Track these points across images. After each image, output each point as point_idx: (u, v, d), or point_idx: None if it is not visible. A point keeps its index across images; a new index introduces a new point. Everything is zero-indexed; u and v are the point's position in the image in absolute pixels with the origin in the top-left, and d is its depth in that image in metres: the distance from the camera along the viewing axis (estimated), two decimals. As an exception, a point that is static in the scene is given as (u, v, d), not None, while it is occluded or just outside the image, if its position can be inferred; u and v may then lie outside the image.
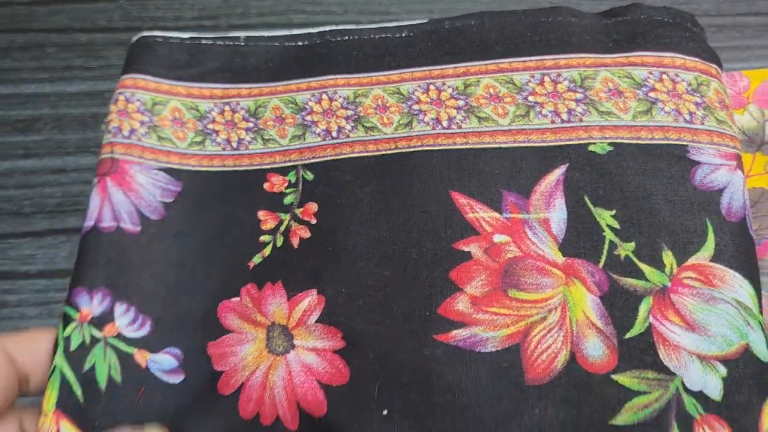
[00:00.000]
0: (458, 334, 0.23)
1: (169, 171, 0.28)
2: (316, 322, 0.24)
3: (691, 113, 0.26)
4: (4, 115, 0.36)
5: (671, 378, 0.22)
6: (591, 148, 0.26)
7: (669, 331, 0.22)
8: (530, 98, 0.27)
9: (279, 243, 0.26)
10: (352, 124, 0.28)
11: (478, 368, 0.22)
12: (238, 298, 0.26)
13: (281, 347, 0.24)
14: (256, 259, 0.26)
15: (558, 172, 0.25)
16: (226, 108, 0.29)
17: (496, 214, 0.25)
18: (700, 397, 0.22)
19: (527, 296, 0.23)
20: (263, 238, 0.27)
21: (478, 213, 0.25)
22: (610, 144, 0.26)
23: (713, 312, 0.23)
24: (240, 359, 0.25)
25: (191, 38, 0.30)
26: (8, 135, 0.35)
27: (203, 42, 0.30)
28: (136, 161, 0.28)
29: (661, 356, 0.22)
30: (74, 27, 0.39)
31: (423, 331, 0.23)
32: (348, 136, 0.28)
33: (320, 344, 0.24)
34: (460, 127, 0.27)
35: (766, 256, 0.25)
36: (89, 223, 0.26)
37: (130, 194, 0.27)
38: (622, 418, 0.21)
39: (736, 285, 0.23)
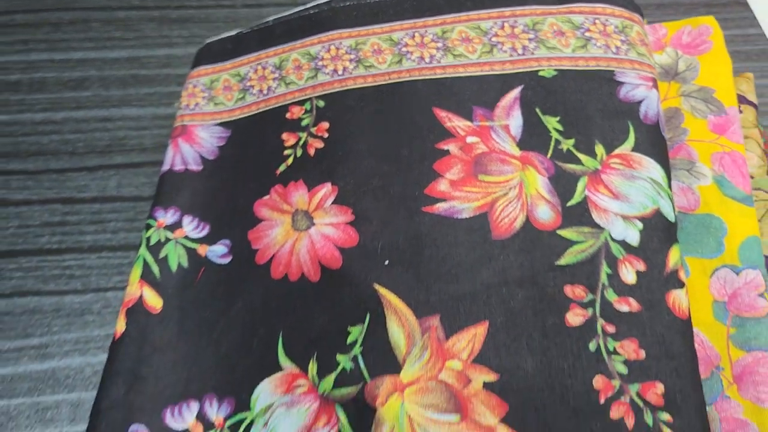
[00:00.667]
0: (440, 207, 0.30)
1: (221, 124, 0.36)
2: (331, 204, 0.31)
3: (617, 47, 0.33)
4: (58, 76, 0.43)
5: (601, 231, 0.29)
6: (541, 73, 0.33)
7: (599, 200, 0.29)
8: (493, 39, 0.35)
9: (299, 154, 0.33)
10: (354, 64, 0.35)
11: (456, 229, 0.29)
12: (268, 196, 0.33)
13: (304, 225, 0.31)
14: (281, 168, 0.33)
15: (515, 92, 0.33)
16: (258, 67, 0.37)
17: (469, 123, 0.32)
18: (623, 243, 0.29)
19: (493, 179, 0.30)
20: (286, 152, 0.34)
21: (455, 122, 0.32)
22: (555, 70, 0.33)
23: (633, 186, 0.30)
24: (272, 238, 0.31)
25: (236, 34, 0.39)
26: (62, 91, 0.42)
27: (242, 32, 0.39)
28: (199, 124, 0.36)
29: (594, 217, 0.29)
30: (112, 6, 0.46)
31: (414, 205, 0.30)
32: (351, 73, 0.35)
33: (335, 219, 0.31)
34: (439, 62, 0.34)
35: (676, 156, 0.33)
36: (165, 167, 0.35)
37: (194, 145, 0.35)
38: (565, 260, 0.28)
39: (650, 167, 0.30)
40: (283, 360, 0.28)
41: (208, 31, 0.44)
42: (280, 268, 0.30)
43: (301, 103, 0.35)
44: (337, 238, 0.30)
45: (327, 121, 0.34)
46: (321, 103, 0.35)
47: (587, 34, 0.34)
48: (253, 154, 0.35)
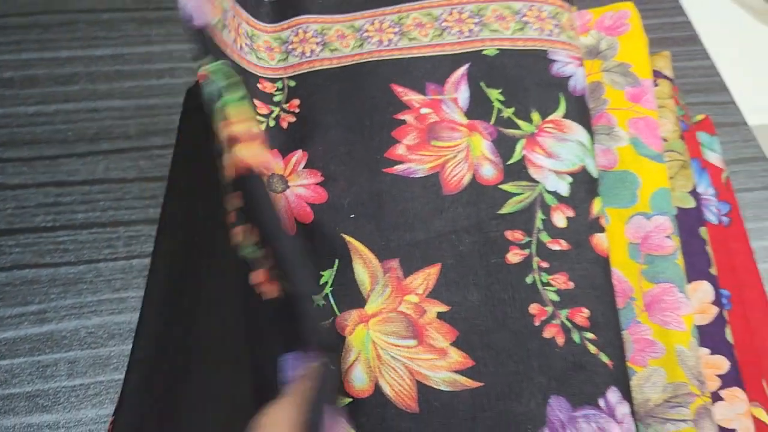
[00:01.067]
0: (398, 168, 0.34)
1: None
2: (302, 168, 0.35)
3: (550, 31, 0.38)
4: (49, 72, 0.47)
5: (537, 184, 0.33)
6: (484, 52, 0.38)
7: (535, 158, 0.34)
8: (443, 24, 0.39)
9: (272, 125, 0.36)
10: (321, 47, 0.39)
11: (412, 186, 0.33)
12: None
13: (280, 188, 0.34)
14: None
15: (463, 68, 0.37)
16: (234, 47, 0.40)
17: (422, 96, 0.36)
18: (555, 194, 0.33)
19: (443, 144, 0.34)
20: (259, 118, 0.36)
21: (410, 96, 0.36)
22: (497, 50, 0.38)
23: (563, 147, 0.34)
24: None
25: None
26: (53, 86, 0.46)
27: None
28: None
29: (530, 173, 0.33)
30: (98, 8, 0.50)
31: (375, 167, 0.34)
32: (318, 56, 0.39)
33: (306, 181, 0.34)
34: (396, 45, 0.39)
35: (598, 122, 0.37)
36: None
37: None
38: (506, 209, 0.32)
39: (578, 132, 0.35)
40: None
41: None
42: None
43: (272, 81, 0.38)
44: (308, 196, 0.34)
45: (298, 98, 0.37)
46: (292, 83, 0.38)
47: (524, 18, 0.38)
48: None
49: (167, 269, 0.36)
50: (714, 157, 0.43)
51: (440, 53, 0.38)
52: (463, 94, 0.36)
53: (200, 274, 0.35)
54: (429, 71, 0.37)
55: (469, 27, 0.39)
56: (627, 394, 0.29)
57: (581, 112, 0.36)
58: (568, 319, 0.30)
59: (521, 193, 0.33)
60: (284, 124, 0.37)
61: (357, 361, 0.29)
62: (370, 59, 0.38)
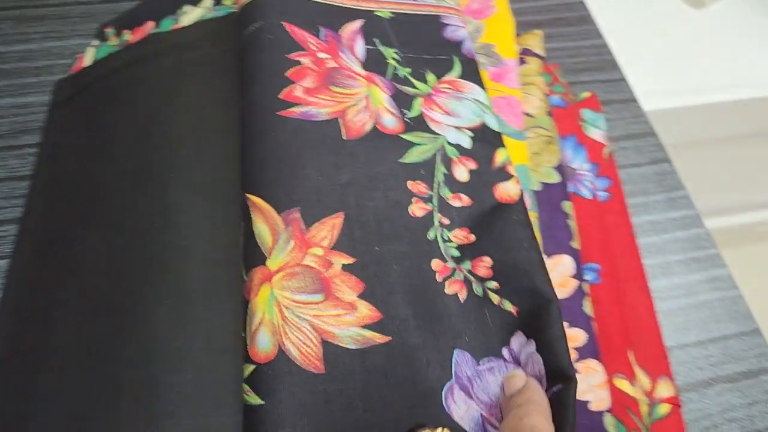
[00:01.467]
0: (296, 110, 0.32)
1: None
2: None
3: None
4: None
5: (438, 137, 0.33)
6: (377, 13, 0.37)
7: (434, 115, 0.34)
8: None
9: None
10: None
11: (311, 131, 0.32)
12: None
13: None
14: None
15: (357, 23, 0.36)
16: None
17: (318, 40, 0.35)
18: (457, 147, 0.33)
19: (343, 91, 0.33)
20: None
21: (306, 38, 0.35)
22: (391, 13, 0.37)
23: (461, 104, 0.34)
24: None
25: None
26: None
27: None
28: None
29: (431, 127, 0.34)
30: None
31: (270, 110, 0.32)
32: None
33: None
34: None
35: (500, 81, 0.37)
36: None
37: None
38: (408, 158, 0.32)
39: (475, 91, 0.35)
40: None
41: (64, 26, 0.47)
42: None
43: None
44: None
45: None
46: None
47: None
48: None
49: (23, 270, 0.35)
50: (597, 134, 0.43)
51: (331, 3, 0.37)
52: (360, 47, 0.36)
53: (57, 276, 0.34)
54: (326, 20, 0.36)
55: None
56: (533, 333, 0.28)
57: (475, 72, 0.36)
58: (470, 272, 0.30)
59: (424, 144, 0.33)
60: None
61: (261, 324, 0.27)
62: None
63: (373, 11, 0.37)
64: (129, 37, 0.42)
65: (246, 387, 0.26)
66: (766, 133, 0.73)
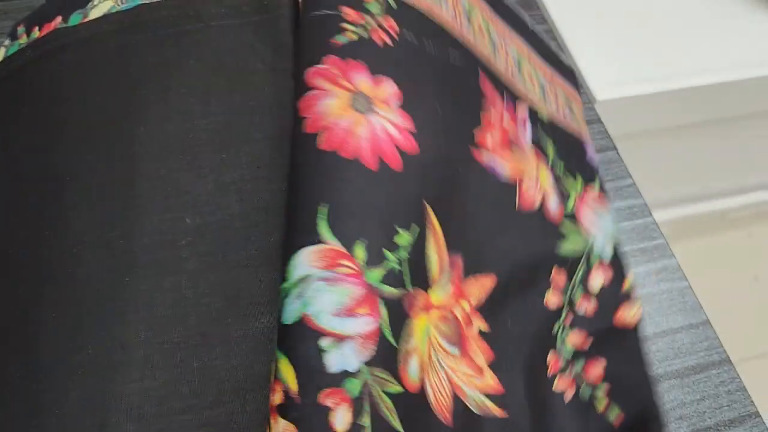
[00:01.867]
0: (486, 158, 0.32)
1: None
2: (397, 107, 0.29)
3: (565, 114, 0.40)
4: None
5: (590, 238, 0.34)
6: (538, 113, 0.38)
7: (585, 216, 0.35)
8: (494, 43, 0.38)
9: (365, 36, 0.30)
10: None
11: (495, 188, 0.32)
12: (322, 65, 0.29)
13: (364, 108, 0.28)
14: (339, 38, 0.29)
15: (526, 108, 0.37)
16: None
17: (502, 102, 0.35)
18: (602, 254, 0.34)
19: (521, 157, 0.34)
20: (346, 26, 0.30)
21: (495, 95, 0.35)
22: (547, 117, 0.38)
23: (603, 217, 0.36)
24: (323, 108, 0.28)
25: None
26: None
27: None
28: None
29: (584, 227, 0.35)
30: None
31: (466, 145, 0.32)
32: None
33: (399, 121, 0.29)
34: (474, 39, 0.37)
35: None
36: None
37: None
38: (563, 250, 0.33)
39: (609, 212, 0.36)
40: (326, 233, 0.25)
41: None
42: (333, 143, 0.27)
43: None
44: (399, 140, 0.28)
45: (397, 23, 0.32)
46: (393, 4, 0.32)
47: (545, 92, 0.39)
48: (307, 21, 0.31)
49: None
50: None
51: (505, 79, 0.37)
52: (529, 128, 0.36)
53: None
54: (502, 87, 0.36)
55: (512, 68, 0.38)
56: None
57: (607, 198, 0.38)
58: (581, 374, 0.30)
59: (577, 239, 0.34)
60: (378, 41, 0.31)
61: (414, 351, 0.25)
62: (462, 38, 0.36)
63: (535, 107, 0.37)
64: (37, 34, 0.40)
65: (389, 403, 0.23)
66: (712, 122, 0.72)
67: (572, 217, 0.34)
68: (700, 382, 0.36)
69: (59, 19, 0.38)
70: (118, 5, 0.38)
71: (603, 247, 0.34)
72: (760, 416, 0.35)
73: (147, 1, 0.35)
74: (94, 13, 0.38)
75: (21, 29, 0.41)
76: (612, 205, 0.42)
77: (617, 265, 0.34)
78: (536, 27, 0.43)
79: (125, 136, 0.31)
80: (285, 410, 0.22)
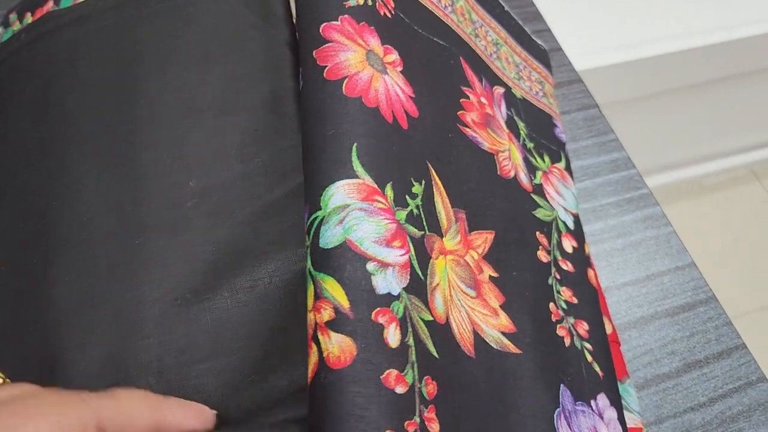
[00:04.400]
0: (470, 132, 0.35)
1: None
2: (399, 72, 0.31)
3: (536, 92, 0.43)
4: None
5: (554, 210, 0.36)
6: (512, 90, 0.40)
7: (550, 190, 0.38)
8: (476, 30, 0.41)
9: (370, 4, 0.32)
10: None
11: (479, 155, 0.34)
12: (338, 22, 0.30)
13: (379, 67, 0.30)
14: (351, 1, 0.31)
15: (501, 89, 0.40)
16: None
17: (480, 86, 0.37)
18: (565, 224, 0.37)
19: (495, 137, 0.36)
20: None
21: (475, 80, 0.37)
22: (521, 96, 0.41)
23: (566, 191, 0.39)
24: (344, 59, 0.29)
25: None
26: None
27: None
28: None
29: (548, 199, 0.37)
30: None
31: (453, 120, 0.34)
32: None
33: (403, 86, 0.31)
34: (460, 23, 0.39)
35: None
36: None
37: None
38: (538, 214, 0.35)
39: (572, 186, 0.39)
40: (359, 169, 0.26)
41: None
42: (356, 90, 0.28)
43: None
44: (404, 101, 0.30)
45: (393, 0, 0.34)
46: None
47: (520, 73, 0.42)
48: None
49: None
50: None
51: (484, 61, 0.39)
52: (503, 109, 0.38)
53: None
54: (481, 69, 0.38)
55: (490, 50, 0.41)
56: (615, 402, 0.31)
57: (571, 172, 0.40)
58: (573, 327, 0.32)
59: (547, 209, 0.36)
60: (381, 11, 0.32)
61: (438, 288, 0.27)
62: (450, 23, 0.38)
63: (510, 88, 0.40)
64: (30, 19, 0.40)
65: (425, 328, 0.25)
66: (694, 86, 0.74)
67: (540, 188, 0.37)
68: (689, 319, 0.38)
69: (51, 3, 0.39)
70: (110, -15, 0.38)
71: (565, 218, 0.37)
72: (746, 347, 0.37)
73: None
74: (85, -5, 0.38)
75: (13, 16, 0.41)
76: (597, 159, 0.43)
77: (578, 233, 0.37)
78: (509, 6, 0.44)
79: (126, 107, 0.32)
80: (337, 325, 0.23)
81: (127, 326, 0.27)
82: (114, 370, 0.26)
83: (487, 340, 0.28)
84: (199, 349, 0.27)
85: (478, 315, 0.29)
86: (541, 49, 0.46)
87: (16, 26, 0.41)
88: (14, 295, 0.28)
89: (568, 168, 0.40)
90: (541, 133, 0.40)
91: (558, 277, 0.34)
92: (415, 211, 0.28)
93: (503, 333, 0.29)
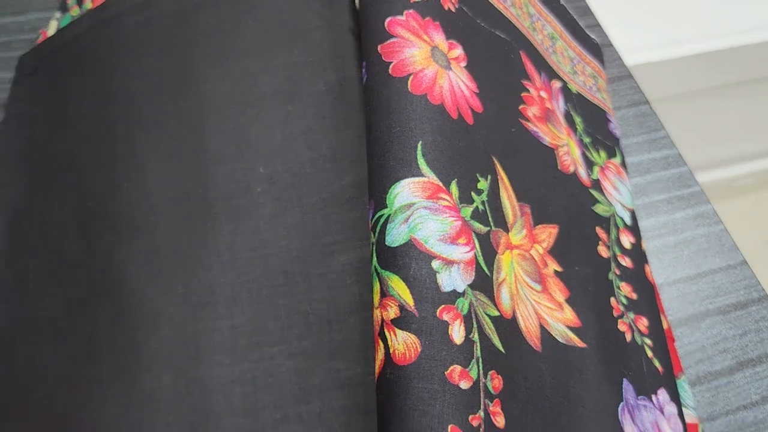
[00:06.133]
0: (531, 126, 0.35)
1: None
2: (463, 67, 0.32)
3: (590, 86, 0.42)
4: None
5: (612, 206, 0.37)
6: (568, 85, 0.40)
7: (607, 185, 0.37)
8: (534, 23, 0.41)
9: None
10: None
11: (541, 149, 0.35)
12: (403, 17, 0.30)
13: (443, 63, 0.30)
14: None
15: (559, 83, 0.40)
16: None
17: (539, 80, 0.38)
18: (623, 220, 0.37)
19: (555, 131, 0.36)
20: None
21: (534, 74, 0.37)
22: (576, 91, 0.41)
23: (623, 187, 0.38)
24: (409, 56, 0.29)
25: None
26: None
27: None
28: None
29: (606, 195, 0.37)
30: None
31: (514, 115, 0.34)
32: None
33: (467, 82, 0.31)
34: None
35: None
36: None
37: None
38: (597, 209, 0.35)
39: (628, 182, 0.39)
40: (424, 168, 0.27)
41: (20, 1, 0.46)
42: (421, 87, 0.29)
43: None
44: (468, 97, 0.31)
45: None
46: None
47: (575, 68, 0.42)
48: None
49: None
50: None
51: (542, 54, 0.40)
52: (561, 103, 0.38)
53: (29, 245, 0.33)
54: (540, 63, 0.39)
55: (547, 44, 0.41)
56: (675, 398, 0.31)
57: (626, 169, 0.40)
58: (633, 323, 0.33)
59: (605, 205, 0.36)
60: (445, 5, 0.33)
61: (504, 283, 0.28)
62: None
63: (566, 83, 0.40)
64: (90, 4, 0.41)
65: (490, 324, 0.25)
66: (745, 83, 0.73)
67: (597, 183, 0.36)
68: (742, 317, 0.38)
69: (112, -12, 0.39)
70: (170, -28, 0.39)
71: (623, 214, 0.37)
72: (800, 347, 0.37)
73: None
74: (148, -19, 0.39)
75: (72, 1, 0.42)
76: (648, 155, 0.43)
77: (635, 229, 0.37)
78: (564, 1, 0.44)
79: (191, 95, 0.33)
80: (403, 323, 0.23)
81: (198, 308, 0.28)
82: (187, 348, 0.27)
83: (553, 334, 0.29)
84: (271, 333, 0.27)
85: (544, 309, 0.29)
86: (595, 44, 0.45)
87: (75, 11, 0.41)
88: (86, 276, 0.29)
89: (623, 163, 0.40)
90: (596, 128, 0.40)
91: (617, 272, 0.34)
92: (481, 207, 0.28)
93: (569, 327, 0.30)
